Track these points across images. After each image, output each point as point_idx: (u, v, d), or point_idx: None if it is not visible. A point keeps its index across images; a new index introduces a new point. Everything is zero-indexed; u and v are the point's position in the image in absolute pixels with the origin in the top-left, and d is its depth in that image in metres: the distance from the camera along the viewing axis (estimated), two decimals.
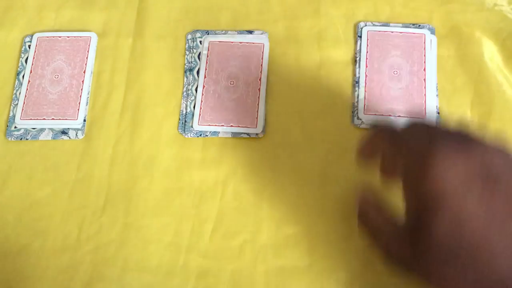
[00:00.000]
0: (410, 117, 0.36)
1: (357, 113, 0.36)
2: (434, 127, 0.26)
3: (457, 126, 0.25)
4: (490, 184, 0.23)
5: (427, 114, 0.36)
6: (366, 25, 0.39)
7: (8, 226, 0.35)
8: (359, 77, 0.37)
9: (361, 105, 0.37)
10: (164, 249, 0.34)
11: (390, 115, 0.36)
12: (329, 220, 0.34)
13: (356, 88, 0.37)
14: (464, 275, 0.23)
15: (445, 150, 0.23)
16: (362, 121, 0.36)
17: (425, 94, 0.37)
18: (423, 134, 0.25)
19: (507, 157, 0.24)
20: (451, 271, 0.23)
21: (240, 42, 0.39)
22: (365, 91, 0.37)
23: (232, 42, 0.39)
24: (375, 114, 0.36)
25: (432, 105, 0.36)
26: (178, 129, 0.37)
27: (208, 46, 0.39)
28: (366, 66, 0.38)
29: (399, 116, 0.36)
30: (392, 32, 0.38)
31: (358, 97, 0.37)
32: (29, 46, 0.40)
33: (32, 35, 0.40)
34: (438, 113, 0.37)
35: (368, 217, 0.29)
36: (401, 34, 0.38)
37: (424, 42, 0.38)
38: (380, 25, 0.39)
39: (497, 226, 0.23)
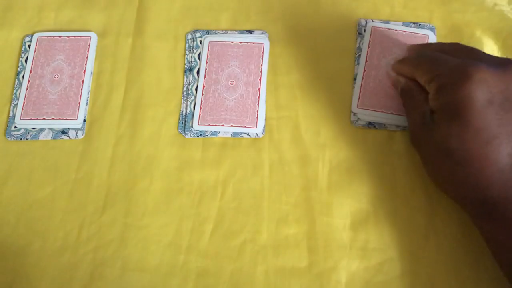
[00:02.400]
0: None
1: (353, 108, 0.37)
2: (476, 49, 0.31)
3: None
4: (506, 106, 0.28)
5: None
6: (367, 22, 0.39)
7: (8, 226, 0.35)
8: (357, 73, 0.38)
9: (355, 99, 0.37)
10: (164, 249, 0.34)
11: (383, 111, 0.36)
12: (329, 220, 0.34)
13: (354, 85, 0.37)
14: (452, 170, 0.29)
15: (481, 67, 0.28)
16: (358, 118, 0.36)
17: None
18: (466, 50, 0.31)
19: None
20: (443, 162, 0.29)
21: (240, 42, 0.39)
22: (361, 85, 0.37)
23: (232, 42, 0.39)
24: (368, 109, 0.36)
25: None
26: (178, 129, 0.37)
27: (208, 46, 0.39)
28: (366, 61, 0.38)
29: (391, 113, 0.36)
30: (396, 30, 0.38)
31: (354, 92, 0.37)
32: (29, 46, 0.40)
33: (32, 35, 0.40)
34: None
35: (412, 92, 0.33)
36: (404, 33, 0.38)
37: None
38: (383, 23, 0.39)
39: (497, 143, 0.27)
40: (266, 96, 0.37)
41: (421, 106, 0.32)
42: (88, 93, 0.38)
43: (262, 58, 0.38)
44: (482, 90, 0.28)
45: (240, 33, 0.39)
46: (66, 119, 0.37)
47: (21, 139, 0.37)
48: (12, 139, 0.37)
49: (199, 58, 0.39)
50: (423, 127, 0.31)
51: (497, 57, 0.31)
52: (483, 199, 0.28)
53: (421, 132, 0.31)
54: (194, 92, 0.38)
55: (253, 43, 0.39)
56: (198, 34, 0.39)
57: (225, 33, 0.39)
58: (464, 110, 0.28)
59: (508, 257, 0.29)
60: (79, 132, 0.37)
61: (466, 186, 0.29)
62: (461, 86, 0.28)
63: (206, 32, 0.40)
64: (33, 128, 0.37)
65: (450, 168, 0.29)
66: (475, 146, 0.28)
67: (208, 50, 0.39)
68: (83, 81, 0.38)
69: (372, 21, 0.39)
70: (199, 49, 0.39)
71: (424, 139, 0.31)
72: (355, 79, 0.38)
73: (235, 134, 0.37)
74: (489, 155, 0.28)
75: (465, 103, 0.28)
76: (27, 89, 0.38)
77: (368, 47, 0.38)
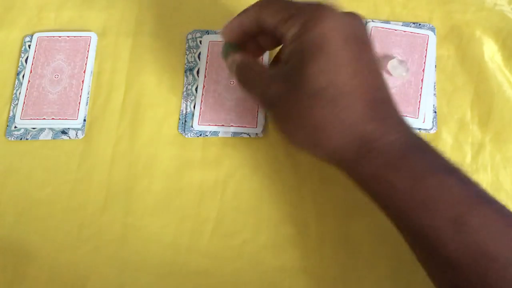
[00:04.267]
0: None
1: None
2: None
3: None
4: (361, 45, 0.28)
5: (422, 113, 0.36)
6: (367, 22, 0.39)
7: (8, 226, 0.35)
8: None
9: None
10: (164, 249, 0.34)
11: None
12: (329, 220, 0.34)
13: None
14: (324, 115, 0.27)
15: (333, 9, 0.28)
16: None
17: (420, 94, 0.37)
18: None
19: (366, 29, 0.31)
20: (315, 107, 0.27)
21: None
22: None
23: None
24: None
25: (428, 104, 0.36)
26: (178, 129, 0.37)
27: (208, 46, 0.39)
28: None
29: None
30: (396, 30, 0.38)
31: None
32: (29, 46, 0.40)
33: (32, 35, 0.40)
34: (435, 112, 0.37)
35: (250, 64, 0.31)
36: (404, 33, 0.38)
37: (427, 43, 0.38)
38: (383, 23, 0.39)
39: (361, 77, 0.27)
40: None
41: (265, 71, 0.30)
42: (88, 93, 0.38)
43: (262, 58, 0.38)
44: (340, 26, 0.28)
45: None
46: (66, 119, 0.37)
47: (21, 139, 0.37)
48: (12, 139, 0.37)
49: (199, 58, 0.39)
50: (278, 85, 0.29)
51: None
52: (359, 138, 0.27)
53: (277, 92, 0.29)
54: (194, 92, 0.38)
55: None
56: (198, 34, 0.39)
57: None
58: (326, 45, 0.27)
59: (400, 198, 0.27)
60: (79, 132, 0.37)
61: (340, 127, 0.27)
62: (321, 21, 0.27)
63: (206, 32, 0.39)
64: (33, 128, 0.37)
65: (320, 112, 0.27)
66: (341, 80, 0.27)
67: (208, 50, 0.39)
68: (83, 81, 0.38)
69: (372, 21, 0.39)
70: (199, 49, 0.39)
71: (283, 97, 0.29)
72: None
73: (235, 134, 0.37)
74: (355, 89, 0.27)
75: (327, 37, 0.27)
76: (27, 89, 0.38)
77: None
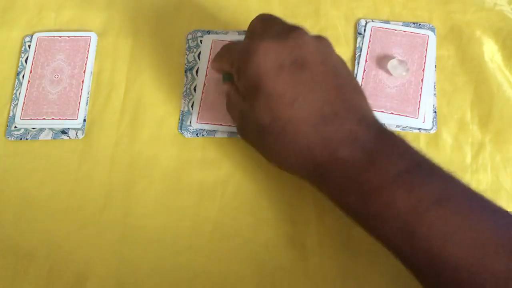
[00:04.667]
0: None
1: None
2: (273, 20, 0.32)
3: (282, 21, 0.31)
4: (297, 67, 0.28)
5: (422, 113, 0.36)
6: (367, 22, 0.39)
7: (8, 225, 0.35)
8: (357, 73, 0.38)
9: None
10: (164, 249, 0.34)
11: (383, 111, 0.36)
12: (329, 220, 0.34)
13: None
14: (277, 145, 0.29)
15: (262, 42, 0.29)
16: None
17: (420, 94, 0.37)
18: (250, 33, 0.32)
19: (319, 46, 0.30)
20: (268, 140, 0.29)
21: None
22: (361, 85, 0.37)
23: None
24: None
25: (428, 104, 0.37)
26: (178, 129, 0.37)
27: (211, 45, 0.39)
28: (366, 61, 0.38)
29: (391, 113, 0.36)
30: (396, 30, 0.38)
31: None
32: (29, 46, 0.40)
33: (32, 35, 0.40)
34: (435, 112, 0.37)
35: (229, 94, 0.33)
36: (404, 33, 0.38)
37: (427, 43, 0.38)
38: (383, 23, 0.39)
39: (300, 102, 0.28)
40: None
41: (238, 105, 0.32)
42: (88, 93, 0.38)
43: None
44: (269, 59, 0.28)
45: (240, 34, 0.39)
46: (66, 119, 0.37)
47: (21, 139, 0.37)
48: (12, 139, 0.37)
49: (199, 57, 0.39)
50: (244, 121, 0.31)
51: (286, 26, 0.31)
52: (311, 162, 0.28)
53: (245, 126, 0.32)
54: (194, 91, 0.38)
55: None
56: (198, 34, 0.39)
57: (226, 33, 0.39)
58: (260, 83, 0.28)
59: (353, 213, 0.29)
60: (79, 132, 0.37)
61: (293, 154, 0.29)
62: (250, 63, 0.28)
63: (207, 32, 0.39)
64: (33, 128, 0.37)
65: (275, 144, 0.29)
66: (281, 113, 0.28)
67: (211, 49, 0.39)
68: (83, 81, 0.38)
69: (372, 21, 0.39)
70: (199, 48, 0.39)
71: (249, 131, 0.32)
72: None
73: (235, 134, 0.37)
74: (296, 116, 0.28)
75: (258, 76, 0.28)
76: (27, 89, 0.38)
77: (368, 47, 0.38)
